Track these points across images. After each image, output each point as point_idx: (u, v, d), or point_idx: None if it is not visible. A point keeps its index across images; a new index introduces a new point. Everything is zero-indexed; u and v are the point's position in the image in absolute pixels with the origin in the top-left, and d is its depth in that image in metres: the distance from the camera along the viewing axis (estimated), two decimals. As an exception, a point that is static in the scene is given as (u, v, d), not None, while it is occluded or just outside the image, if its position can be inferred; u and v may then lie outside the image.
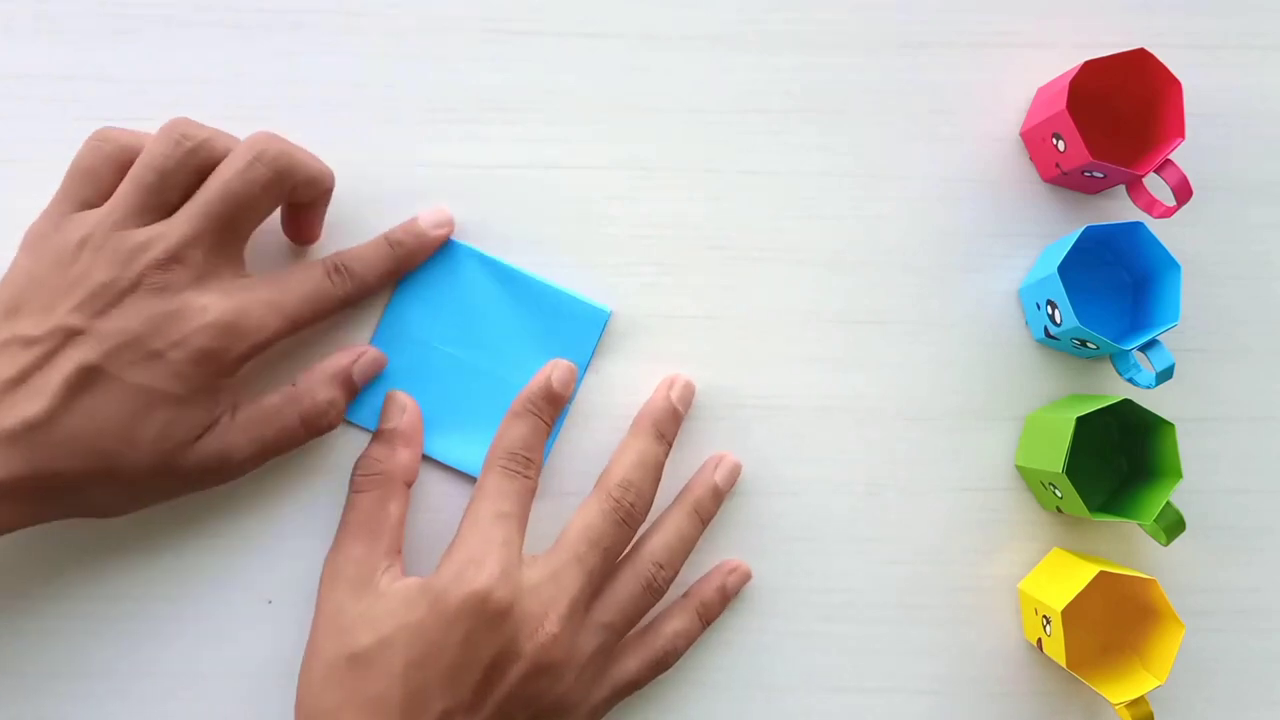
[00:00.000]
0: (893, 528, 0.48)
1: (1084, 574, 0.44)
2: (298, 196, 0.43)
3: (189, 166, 0.41)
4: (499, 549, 0.40)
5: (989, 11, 0.51)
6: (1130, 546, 0.48)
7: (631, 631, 0.44)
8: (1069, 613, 0.44)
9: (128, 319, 0.39)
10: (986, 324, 0.49)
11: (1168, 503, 0.44)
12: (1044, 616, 0.45)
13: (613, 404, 0.48)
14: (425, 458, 0.46)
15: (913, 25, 0.51)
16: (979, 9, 0.51)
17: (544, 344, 0.47)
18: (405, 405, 0.46)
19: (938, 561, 0.48)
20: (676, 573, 0.45)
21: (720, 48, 0.50)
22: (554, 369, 0.45)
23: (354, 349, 0.46)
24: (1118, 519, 0.45)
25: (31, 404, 0.38)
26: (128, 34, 0.49)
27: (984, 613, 0.48)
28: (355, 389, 0.45)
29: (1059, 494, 0.46)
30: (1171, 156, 0.46)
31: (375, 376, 0.46)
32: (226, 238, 0.41)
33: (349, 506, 0.44)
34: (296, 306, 0.42)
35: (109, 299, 0.39)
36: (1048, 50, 0.50)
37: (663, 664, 0.44)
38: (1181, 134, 0.46)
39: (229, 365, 0.40)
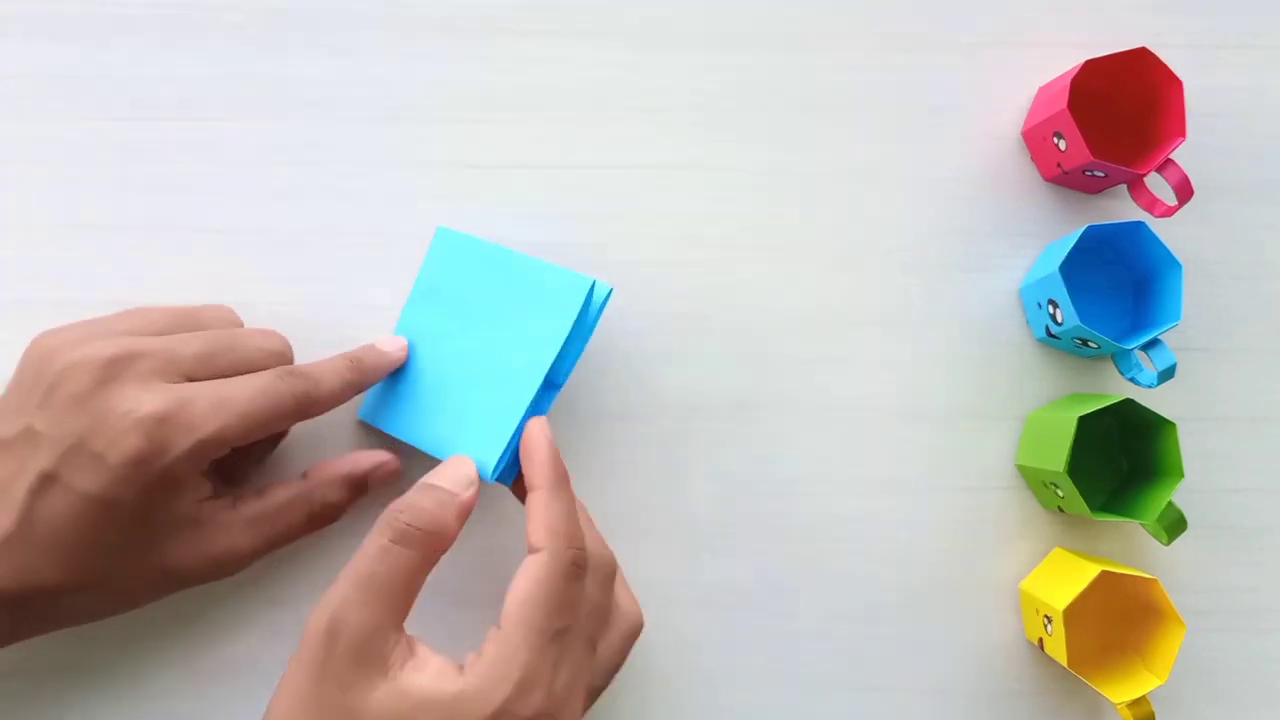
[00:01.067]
0: (893, 528, 0.48)
1: (1085, 573, 0.44)
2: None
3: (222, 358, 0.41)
4: (550, 671, 0.35)
5: (989, 11, 0.51)
6: (1131, 546, 0.48)
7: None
8: (1070, 612, 0.44)
9: (77, 418, 0.37)
10: (987, 324, 0.49)
11: (1169, 502, 0.44)
12: (1045, 616, 0.45)
13: (612, 404, 0.48)
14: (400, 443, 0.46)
15: (913, 25, 0.51)
16: (979, 9, 0.51)
17: (529, 317, 0.44)
18: (474, 480, 0.40)
19: (938, 562, 0.48)
20: (583, 544, 0.40)
21: (720, 48, 0.50)
22: (543, 426, 0.41)
23: (375, 455, 0.44)
24: (1119, 518, 0.45)
25: (4, 516, 0.37)
26: (128, 34, 0.49)
27: (985, 613, 0.48)
28: (364, 492, 0.44)
29: (1060, 493, 0.46)
30: (1172, 156, 0.46)
31: (387, 479, 0.45)
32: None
33: (378, 554, 0.36)
34: (246, 404, 0.39)
35: (64, 397, 0.37)
36: (1048, 50, 0.50)
37: (633, 633, 0.41)
38: (1182, 133, 0.46)
39: (174, 466, 0.37)
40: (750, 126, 0.50)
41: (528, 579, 0.36)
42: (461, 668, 0.35)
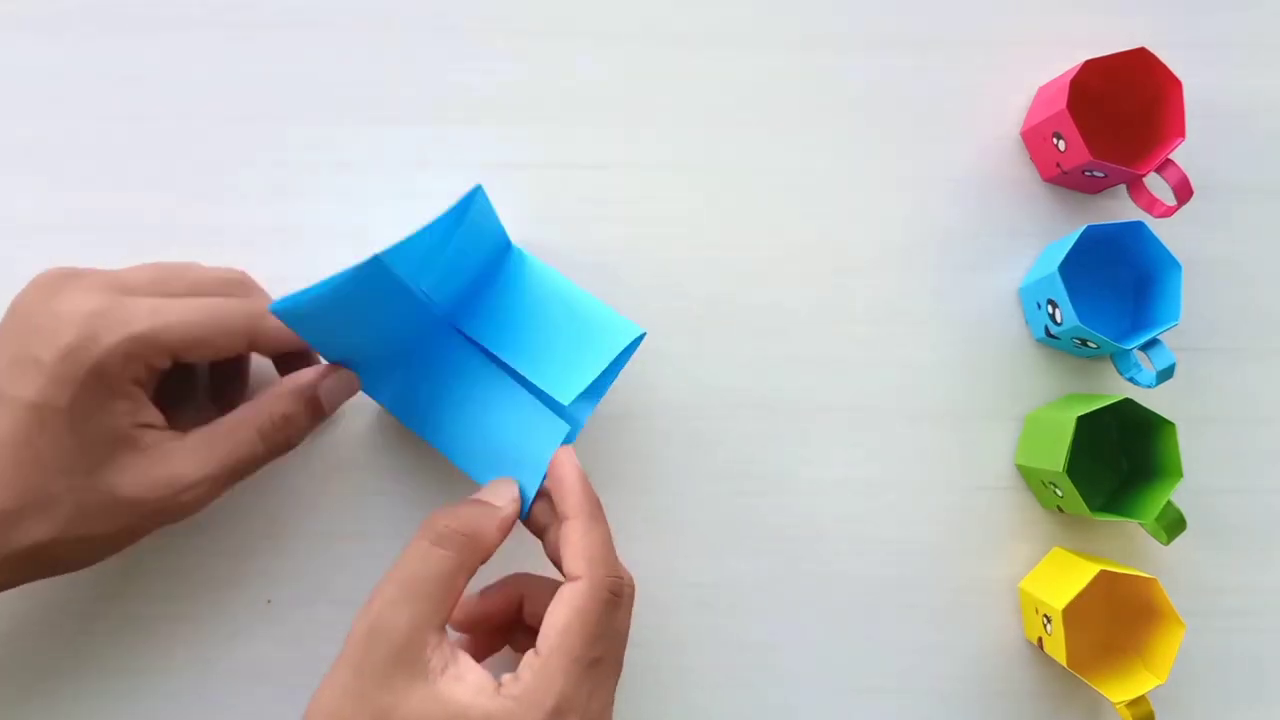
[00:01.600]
0: (893, 528, 0.48)
1: (1084, 573, 0.44)
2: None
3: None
4: (586, 700, 0.35)
5: (989, 11, 0.51)
6: (1131, 546, 0.48)
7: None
8: (1070, 612, 0.44)
9: (20, 331, 0.37)
10: (987, 324, 0.49)
11: (1168, 502, 0.44)
12: (1045, 616, 0.45)
13: (612, 404, 0.48)
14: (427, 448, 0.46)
15: (912, 25, 0.51)
16: (979, 9, 0.51)
17: (573, 350, 0.44)
18: (516, 498, 0.41)
19: (938, 561, 0.48)
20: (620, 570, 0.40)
21: (721, 48, 0.50)
22: (570, 455, 0.41)
23: (324, 367, 0.42)
24: (1118, 518, 0.45)
25: None
26: (128, 34, 0.49)
27: (984, 612, 0.48)
28: (321, 409, 0.42)
29: (1060, 493, 0.46)
30: (1172, 156, 0.46)
31: (345, 399, 0.42)
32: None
33: (418, 556, 0.37)
34: (188, 311, 0.38)
35: (14, 318, 0.38)
36: (1048, 50, 0.51)
37: (626, 593, 0.39)
38: (1182, 133, 0.46)
39: (106, 360, 0.37)
40: (750, 127, 0.50)
41: (568, 607, 0.36)
42: (499, 686, 0.35)
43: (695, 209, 0.49)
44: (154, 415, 0.39)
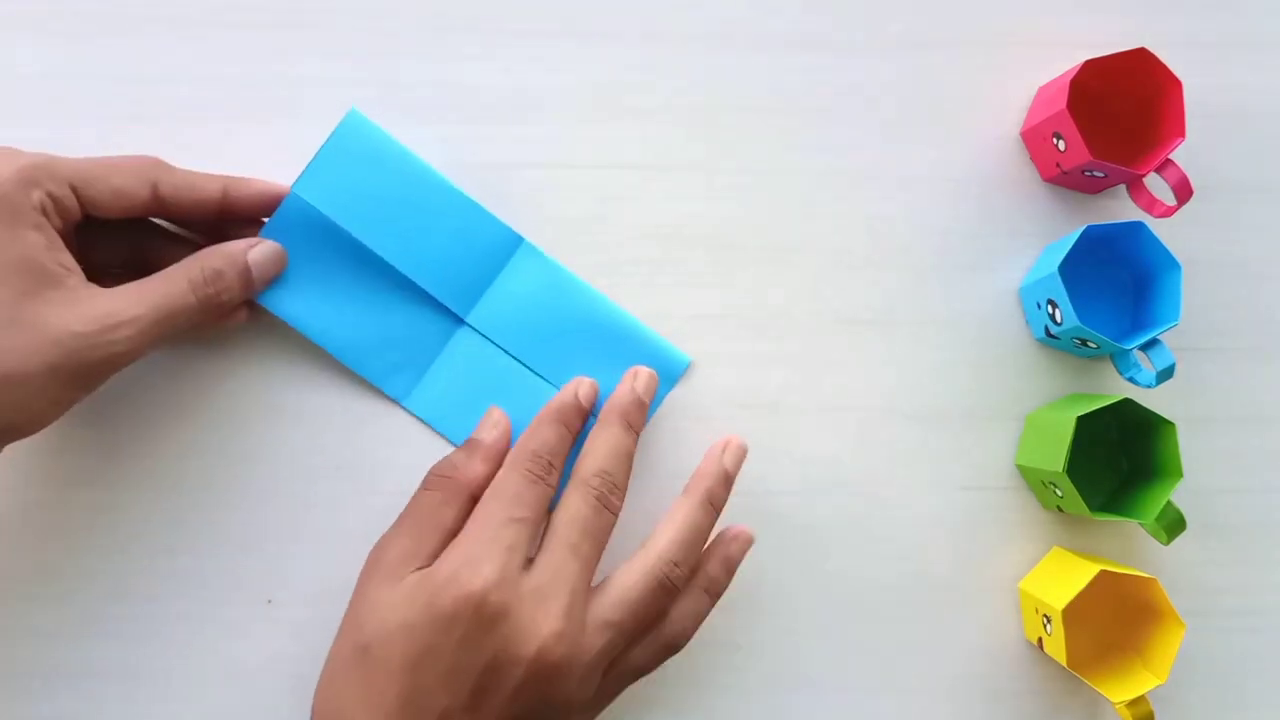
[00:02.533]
0: (893, 527, 0.48)
1: (1084, 573, 0.44)
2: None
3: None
4: (503, 553, 0.39)
5: (989, 11, 0.51)
6: (1131, 546, 0.48)
7: None
8: (1069, 612, 0.44)
9: None
10: (986, 324, 0.49)
11: (1168, 502, 0.44)
12: (1044, 616, 0.45)
13: (613, 403, 0.48)
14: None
15: (913, 25, 0.51)
16: (979, 9, 0.51)
17: (617, 375, 0.47)
18: (499, 422, 0.45)
19: (938, 561, 0.48)
20: (692, 569, 0.43)
21: (720, 48, 0.50)
22: (580, 382, 0.45)
23: (249, 240, 0.44)
24: (1118, 518, 0.45)
25: None
26: (128, 34, 0.49)
27: (984, 612, 0.48)
28: (250, 277, 0.43)
29: (1059, 493, 0.46)
30: (1172, 156, 0.46)
31: (276, 272, 0.44)
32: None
33: (412, 501, 0.43)
34: (98, 160, 0.40)
35: None
36: (1048, 50, 0.50)
37: (673, 647, 0.43)
38: (1182, 134, 0.46)
39: (6, 188, 0.37)
40: (750, 127, 0.50)
41: (491, 484, 0.43)
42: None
43: (695, 209, 0.49)
44: (71, 261, 0.39)
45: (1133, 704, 0.43)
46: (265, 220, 0.45)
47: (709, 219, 0.49)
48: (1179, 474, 0.44)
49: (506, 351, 0.47)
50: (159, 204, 0.42)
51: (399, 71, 0.49)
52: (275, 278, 0.45)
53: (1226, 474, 0.49)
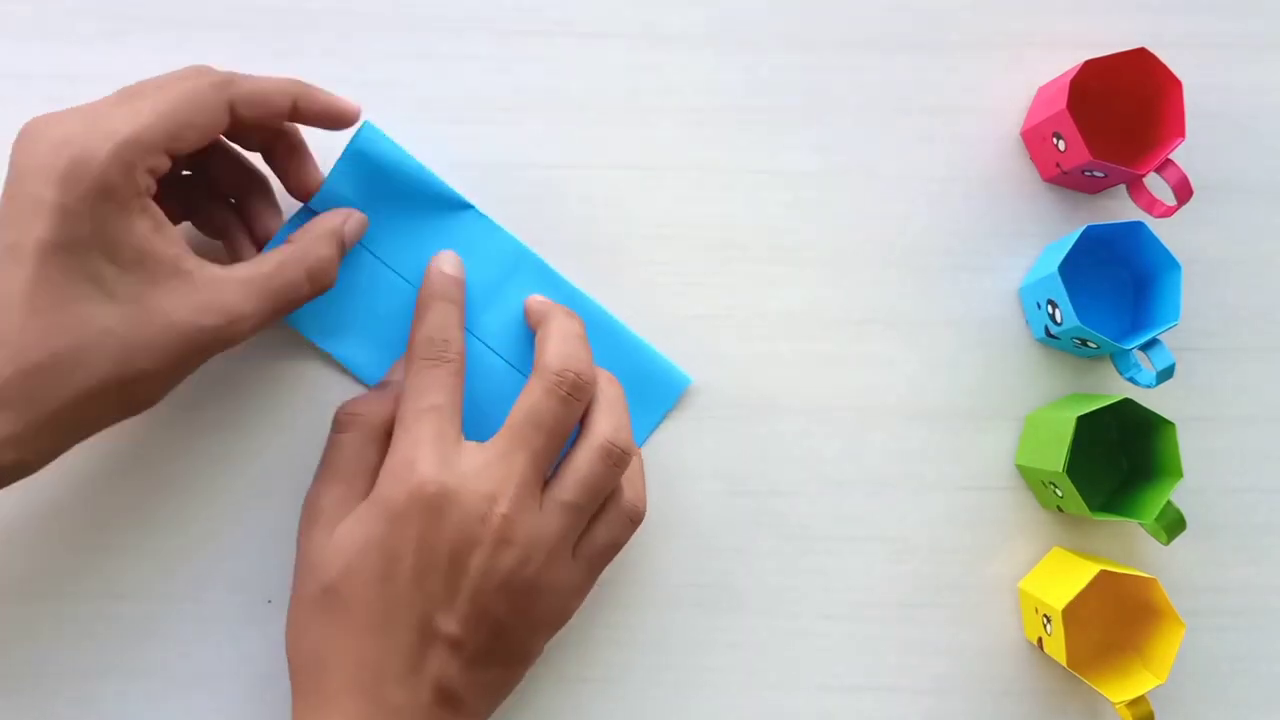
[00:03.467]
0: (893, 528, 0.48)
1: (1084, 573, 0.44)
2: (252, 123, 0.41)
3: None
4: (430, 442, 0.40)
5: (989, 11, 0.51)
6: (1130, 546, 0.48)
7: None
8: (1069, 612, 0.44)
9: (12, 177, 0.37)
10: (986, 324, 0.49)
11: (1168, 502, 0.44)
12: (1044, 616, 0.45)
13: (613, 404, 0.48)
14: None
15: (913, 25, 0.51)
16: (979, 9, 0.51)
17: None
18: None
19: (938, 561, 0.48)
20: (629, 432, 0.43)
21: (720, 48, 0.50)
22: (439, 258, 0.45)
23: (341, 211, 0.44)
24: (1118, 518, 0.45)
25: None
26: (128, 34, 0.49)
27: (984, 612, 0.48)
28: (345, 250, 0.44)
29: (1059, 493, 0.46)
30: (1172, 156, 0.46)
31: (360, 239, 0.45)
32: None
33: (330, 446, 0.43)
34: (161, 103, 0.37)
35: (7, 178, 0.37)
36: (1048, 50, 0.50)
37: (634, 518, 0.43)
38: (1182, 133, 0.46)
39: (106, 175, 0.36)
40: (750, 127, 0.50)
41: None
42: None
43: (695, 209, 0.49)
44: (178, 237, 0.39)
45: (1133, 704, 0.43)
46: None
47: (709, 219, 0.49)
48: (1179, 474, 0.44)
49: (508, 362, 0.47)
50: (234, 124, 0.40)
51: (399, 71, 0.49)
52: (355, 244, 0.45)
53: (1226, 474, 0.49)
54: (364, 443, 0.43)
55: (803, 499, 0.48)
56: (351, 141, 0.45)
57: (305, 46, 0.49)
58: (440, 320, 0.43)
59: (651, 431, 0.48)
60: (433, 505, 0.39)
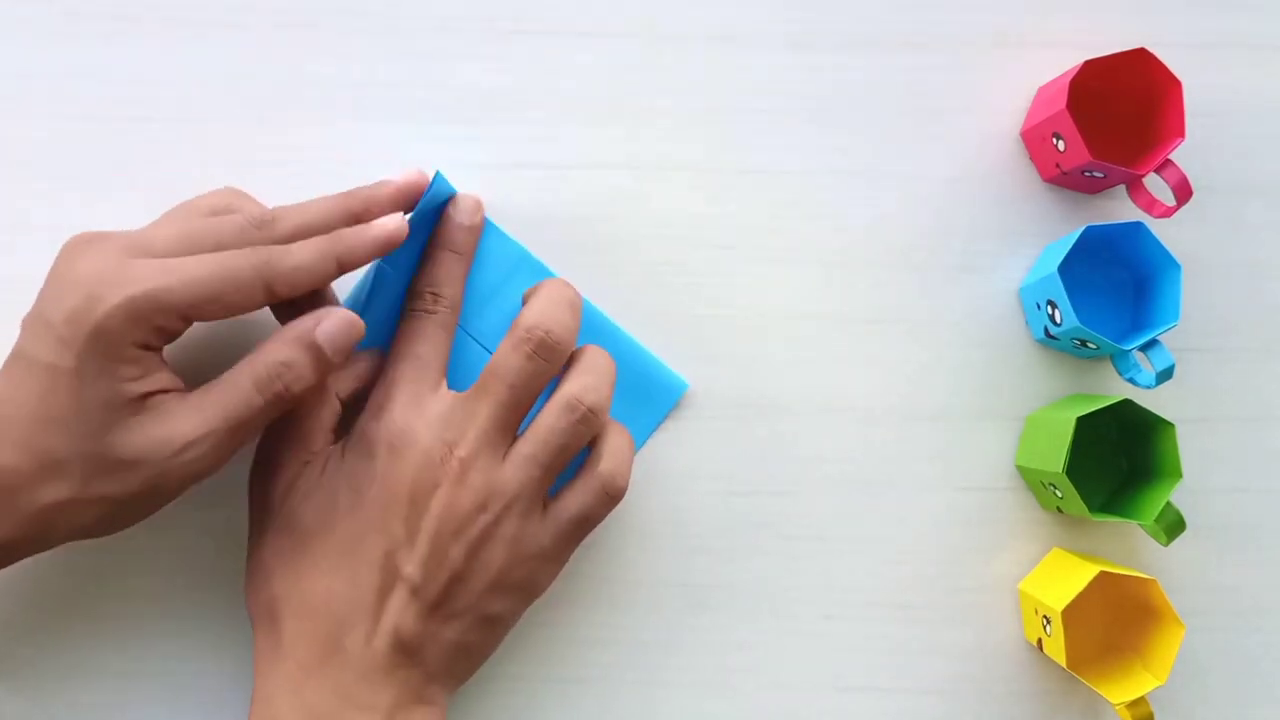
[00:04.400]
0: (893, 528, 0.48)
1: (1084, 574, 0.44)
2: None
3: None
4: (406, 385, 0.41)
5: (989, 11, 0.51)
6: (1130, 546, 0.48)
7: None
8: (1069, 613, 0.44)
9: (44, 292, 0.38)
10: (986, 324, 0.49)
11: (1168, 503, 0.44)
12: (1044, 616, 0.45)
13: (613, 404, 0.48)
14: None
15: (913, 25, 0.51)
16: (979, 9, 0.51)
17: (617, 401, 0.47)
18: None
19: (938, 561, 0.48)
20: (602, 395, 0.42)
21: (721, 47, 0.50)
22: (458, 203, 0.45)
23: (321, 310, 0.41)
24: (1118, 519, 0.45)
25: None
26: (128, 34, 0.49)
27: (984, 613, 0.48)
28: (324, 356, 0.40)
29: (1059, 494, 0.46)
30: (1171, 156, 0.46)
31: (351, 344, 0.40)
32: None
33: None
34: (194, 269, 0.37)
35: (45, 282, 0.39)
36: (1048, 50, 0.50)
37: (613, 492, 0.42)
38: (1181, 134, 0.46)
39: (108, 320, 0.36)
40: (750, 127, 0.50)
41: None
42: None
43: (695, 209, 0.49)
44: (166, 380, 0.39)
45: (1132, 705, 0.43)
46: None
47: (709, 219, 0.49)
48: (1179, 474, 0.44)
49: None
50: (273, 299, 0.40)
51: (399, 71, 0.49)
52: (353, 347, 0.41)
53: (1226, 474, 0.49)
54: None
55: (803, 499, 0.48)
56: (427, 193, 0.44)
57: (305, 46, 0.49)
58: (440, 273, 0.44)
59: (649, 436, 0.47)
60: (395, 445, 0.40)
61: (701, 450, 0.48)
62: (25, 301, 0.39)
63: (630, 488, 0.47)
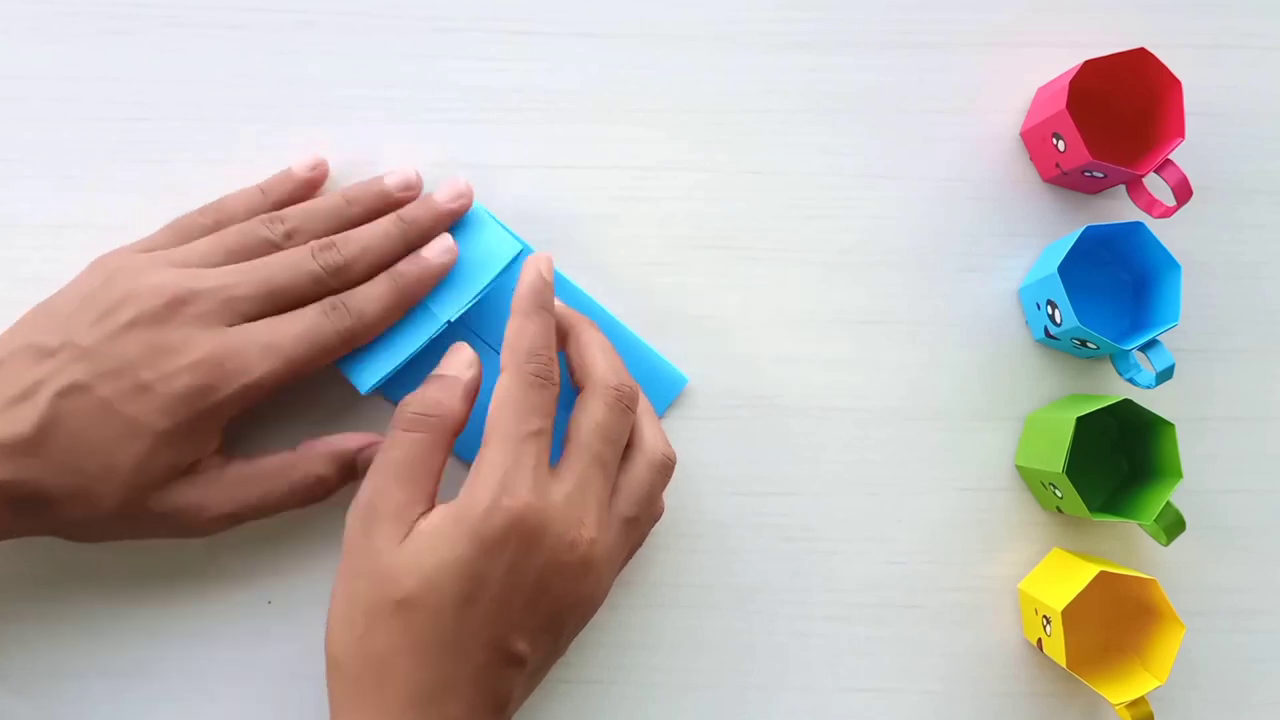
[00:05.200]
0: (893, 528, 0.48)
1: (1084, 574, 0.44)
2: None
3: (268, 241, 0.43)
4: (532, 471, 0.39)
5: (989, 11, 0.51)
6: (1130, 546, 0.48)
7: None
8: (1069, 613, 0.44)
9: (128, 345, 0.39)
10: (986, 324, 0.49)
11: (1168, 503, 0.44)
12: (1044, 616, 0.45)
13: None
14: None
15: (913, 25, 0.51)
16: (980, 9, 0.51)
17: None
18: (473, 361, 0.43)
19: (938, 561, 0.48)
20: (665, 438, 0.44)
21: (721, 47, 0.50)
22: (538, 259, 0.43)
23: (367, 436, 0.44)
24: (1118, 519, 0.45)
25: (25, 418, 0.38)
26: (128, 34, 0.49)
27: (984, 613, 0.48)
28: (354, 474, 0.44)
29: (1059, 494, 0.46)
30: (1171, 156, 0.46)
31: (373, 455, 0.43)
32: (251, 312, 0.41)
33: (395, 444, 0.40)
34: (292, 348, 0.41)
35: (120, 323, 0.39)
36: (1048, 50, 0.50)
37: (657, 518, 0.44)
38: (1181, 134, 0.46)
39: (217, 407, 0.40)
40: (750, 127, 0.50)
41: (495, 397, 0.40)
42: None
43: (695, 209, 0.49)
44: (219, 443, 0.42)
45: (1132, 705, 0.43)
46: None
47: (709, 219, 0.49)
48: (1179, 474, 0.44)
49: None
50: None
51: (399, 71, 0.49)
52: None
53: (1226, 474, 0.49)
54: (434, 446, 0.40)
55: (803, 499, 0.48)
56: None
57: (305, 46, 0.49)
58: (545, 335, 0.41)
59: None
60: (527, 537, 0.38)
61: (701, 450, 0.48)
62: (25, 299, 0.39)
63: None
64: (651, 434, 0.43)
